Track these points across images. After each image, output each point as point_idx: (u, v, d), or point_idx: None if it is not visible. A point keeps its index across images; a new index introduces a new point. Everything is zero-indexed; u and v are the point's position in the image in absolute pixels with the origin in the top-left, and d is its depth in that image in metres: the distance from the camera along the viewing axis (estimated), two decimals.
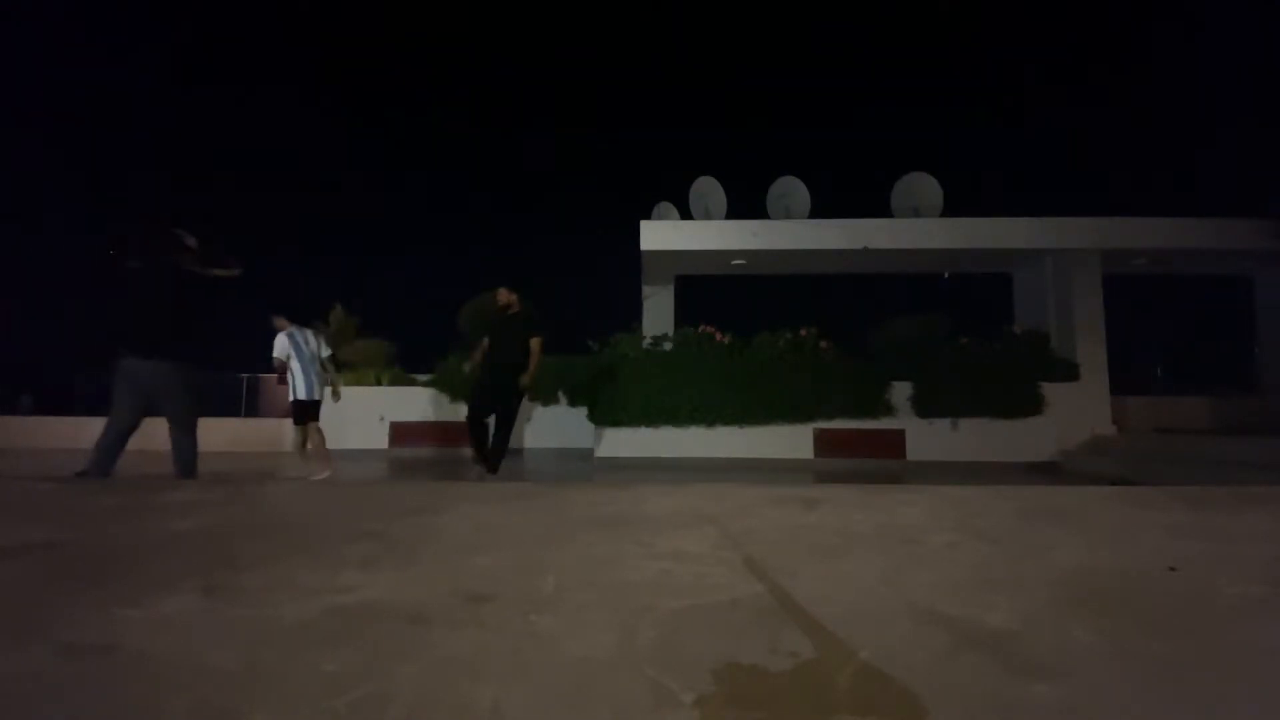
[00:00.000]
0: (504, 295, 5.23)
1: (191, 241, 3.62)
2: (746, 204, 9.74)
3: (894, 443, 7.85)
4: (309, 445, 5.40)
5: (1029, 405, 7.87)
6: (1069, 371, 8.32)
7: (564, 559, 1.43)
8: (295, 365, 5.26)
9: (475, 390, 5.13)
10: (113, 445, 3.55)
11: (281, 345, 5.25)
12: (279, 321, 5.32)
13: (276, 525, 1.83)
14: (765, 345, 7.98)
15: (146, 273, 3.52)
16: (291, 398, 5.35)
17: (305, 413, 5.36)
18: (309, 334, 5.39)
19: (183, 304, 3.58)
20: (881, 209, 9.57)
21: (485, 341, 5.19)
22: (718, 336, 8.04)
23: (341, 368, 9.96)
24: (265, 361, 5.45)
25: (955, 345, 8.21)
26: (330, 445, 9.01)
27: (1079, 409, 8.06)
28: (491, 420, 5.01)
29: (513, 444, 8.98)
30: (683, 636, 0.96)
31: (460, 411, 9.01)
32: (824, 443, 7.82)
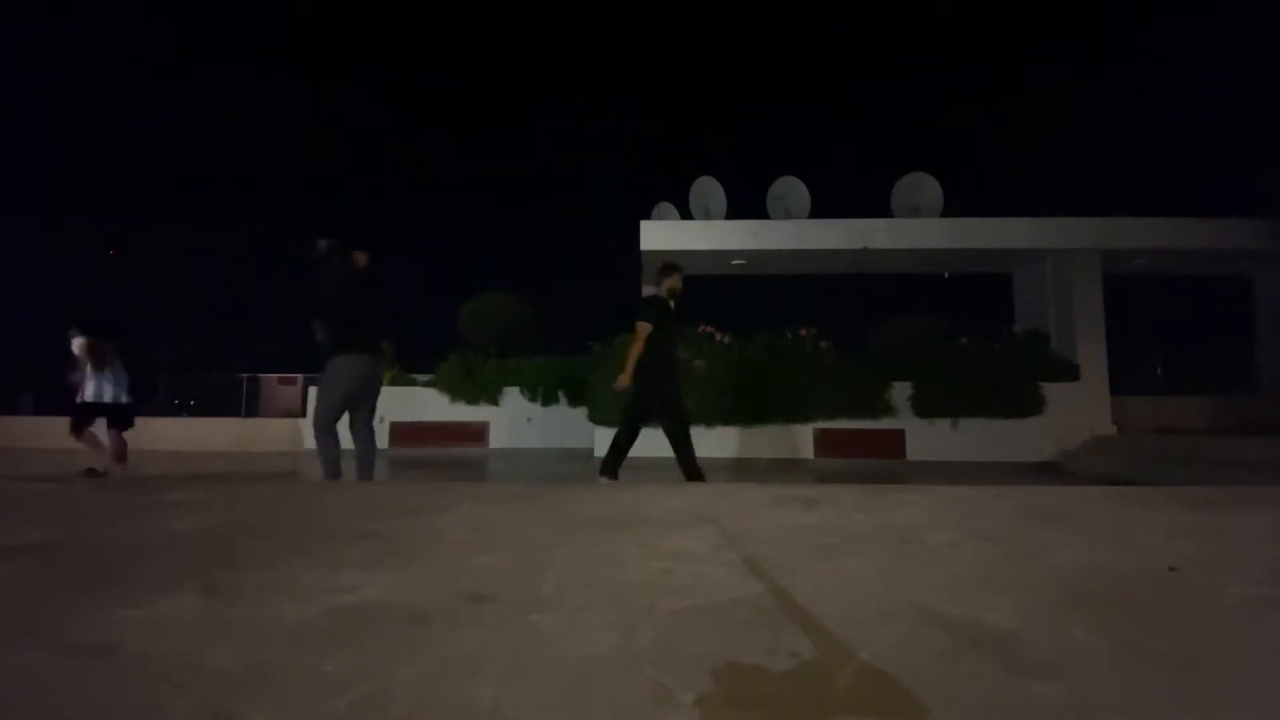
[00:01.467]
0: (679, 280, 4.46)
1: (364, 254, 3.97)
2: (746, 204, 9.75)
3: (894, 443, 7.85)
4: (84, 442, 5.04)
5: (1029, 405, 7.87)
6: (1069, 371, 8.32)
7: (564, 559, 1.43)
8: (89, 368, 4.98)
9: (678, 397, 4.25)
10: (336, 441, 3.80)
11: (82, 345, 4.87)
12: (74, 334, 4.92)
13: (276, 525, 1.83)
14: (765, 345, 7.97)
15: (358, 278, 3.83)
16: (82, 399, 4.87)
17: (96, 415, 5.02)
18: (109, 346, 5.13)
19: (378, 305, 3.92)
20: (881, 209, 9.57)
21: (650, 336, 4.20)
22: (717, 336, 8.04)
23: None
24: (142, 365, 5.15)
25: (955, 345, 8.21)
26: None
27: (1079, 409, 8.06)
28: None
29: (512, 444, 9.02)
30: (683, 636, 0.96)
31: (460, 412, 9.04)
32: (824, 443, 7.82)
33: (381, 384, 3.97)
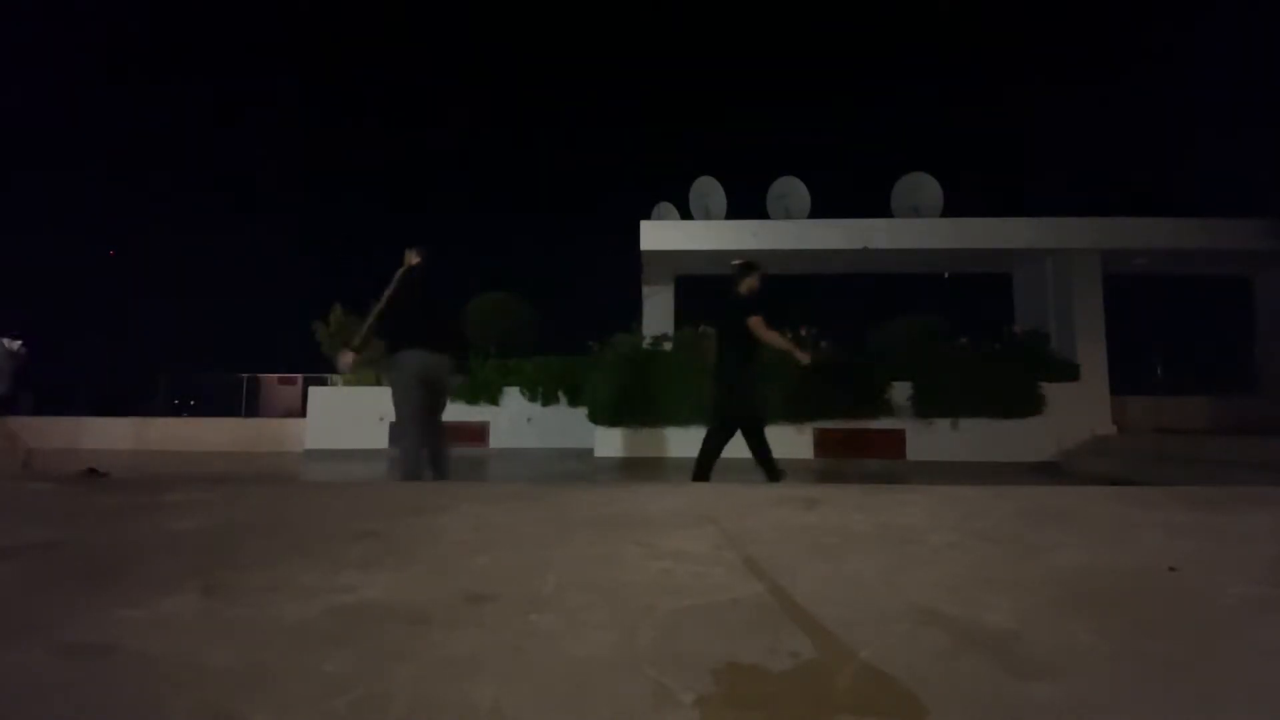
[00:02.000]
0: (759, 279, 4.41)
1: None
2: (746, 204, 9.74)
3: (894, 443, 7.85)
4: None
5: (1029, 405, 7.86)
6: (1069, 371, 8.31)
7: (564, 559, 1.43)
8: None
9: (748, 398, 4.22)
10: (418, 440, 3.71)
11: None
12: None
13: (276, 525, 1.83)
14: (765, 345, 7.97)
15: (411, 277, 3.84)
16: None
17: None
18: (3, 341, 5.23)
19: (435, 302, 3.90)
20: (881, 209, 9.57)
21: (712, 333, 4.29)
22: None
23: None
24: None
25: (955, 345, 8.21)
26: (330, 445, 9.08)
27: (1079, 409, 8.05)
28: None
29: (512, 444, 9.02)
30: (683, 636, 0.96)
31: (460, 412, 9.01)
32: (824, 443, 7.82)
33: (448, 384, 3.90)
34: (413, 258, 3.94)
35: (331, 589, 1.19)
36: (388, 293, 3.78)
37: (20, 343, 5.20)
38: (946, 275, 10.75)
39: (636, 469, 7.02)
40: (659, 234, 9.07)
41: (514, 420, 8.98)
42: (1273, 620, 1.07)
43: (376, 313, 3.76)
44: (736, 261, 4.52)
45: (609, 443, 7.83)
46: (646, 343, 8.39)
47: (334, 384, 10.24)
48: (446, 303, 4.05)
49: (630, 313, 9.77)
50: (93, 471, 4.70)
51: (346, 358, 3.78)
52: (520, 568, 1.35)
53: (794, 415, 7.72)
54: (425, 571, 1.32)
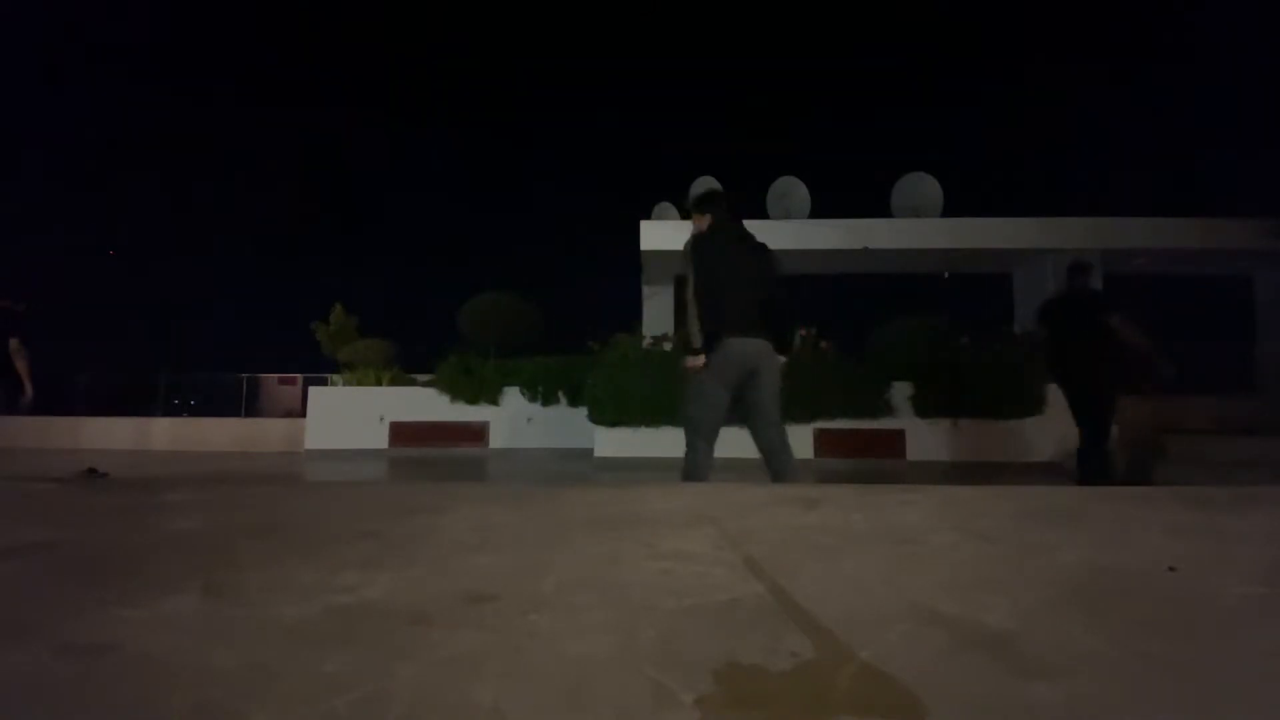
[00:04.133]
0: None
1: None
2: (746, 204, 9.75)
3: (894, 443, 7.85)
4: None
5: (1029, 405, 7.86)
6: None
7: (564, 559, 1.43)
8: None
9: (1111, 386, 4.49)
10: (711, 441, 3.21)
11: None
12: None
13: (276, 525, 1.83)
14: None
15: (713, 244, 3.16)
16: None
17: None
18: None
19: (749, 275, 3.17)
20: (881, 209, 9.57)
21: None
22: None
23: (341, 368, 9.99)
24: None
25: (955, 345, 8.20)
26: (331, 445, 9.09)
27: None
28: None
29: (512, 444, 9.02)
30: (683, 636, 0.96)
31: (460, 412, 9.04)
32: (824, 443, 7.82)
33: (768, 376, 3.22)
34: (702, 222, 3.17)
35: (331, 589, 1.19)
36: (691, 273, 3.09)
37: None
38: (946, 275, 10.76)
39: (636, 469, 7.01)
40: (659, 234, 9.08)
41: (514, 420, 8.98)
42: (1273, 620, 1.07)
43: (695, 299, 3.10)
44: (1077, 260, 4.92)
45: (609, 443, 7.82)
46: (647, 343, 8.38)
47: (334, 384, 10.24)
48: (761, 266, 3.17)
49: (630, 313, 9.78)
50: (93, 471, 4.71)
51: (697, 361, 3.20)
52: (520, 568, 1.35)
53: (794, 415, 7.72)
54: (425, 571, 1.32)
